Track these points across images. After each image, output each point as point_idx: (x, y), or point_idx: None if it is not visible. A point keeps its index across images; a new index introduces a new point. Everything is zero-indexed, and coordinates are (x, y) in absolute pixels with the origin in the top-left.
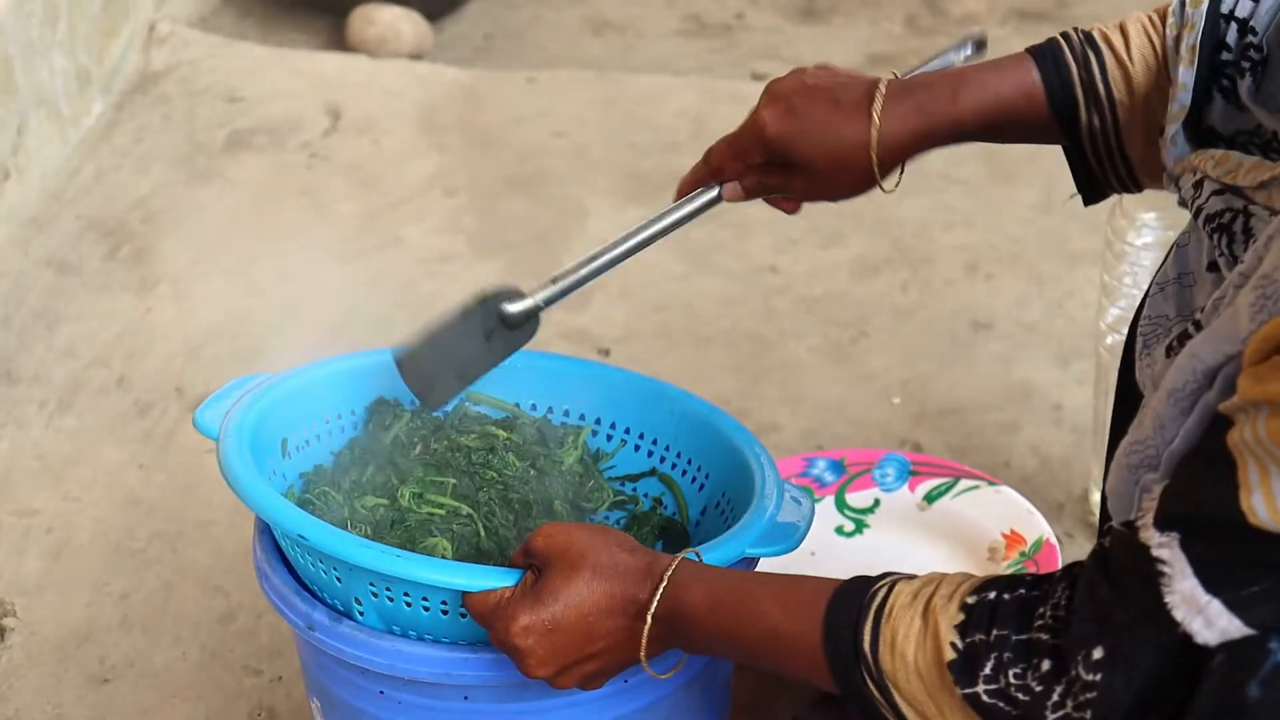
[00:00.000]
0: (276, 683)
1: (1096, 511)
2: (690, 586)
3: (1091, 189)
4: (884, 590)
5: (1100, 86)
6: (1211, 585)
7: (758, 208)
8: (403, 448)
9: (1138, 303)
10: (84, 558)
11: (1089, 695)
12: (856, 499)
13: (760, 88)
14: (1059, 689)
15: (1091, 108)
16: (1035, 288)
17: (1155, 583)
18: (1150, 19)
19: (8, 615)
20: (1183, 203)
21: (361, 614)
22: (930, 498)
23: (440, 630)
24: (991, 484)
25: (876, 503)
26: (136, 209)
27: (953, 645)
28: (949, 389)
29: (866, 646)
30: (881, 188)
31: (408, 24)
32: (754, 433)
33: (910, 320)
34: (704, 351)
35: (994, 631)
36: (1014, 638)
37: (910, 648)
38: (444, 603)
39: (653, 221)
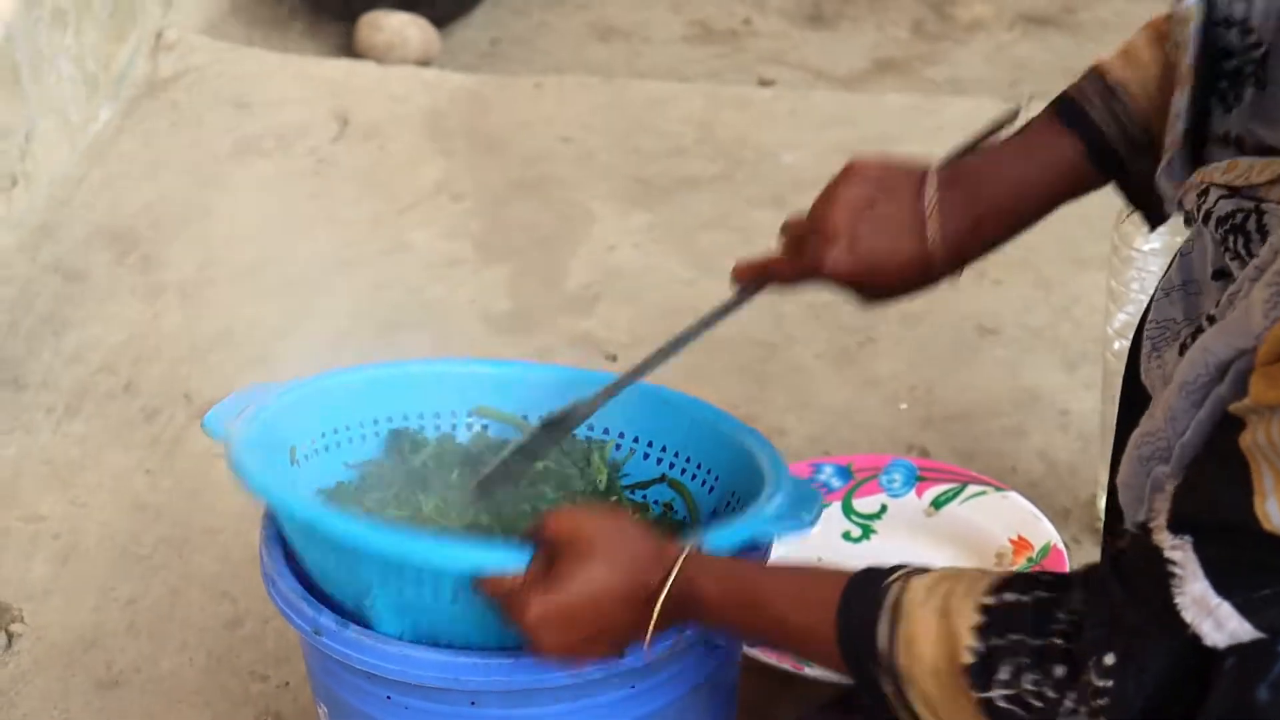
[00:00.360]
0: (283, 688)
1: (1104, 517)
2: (700, 574)
3: (1153, 209)
4: (897, 585)
5: (1139, 133)
6: (1222, 588)
7: (765, 213)
8: (438, 471)
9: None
10: (91, 563)
11: (1101, 701)
12: (863, 504)
13: (767, 94)
14: (1073, 694)
15: (1136, 156)
16: (1042, 293)
17: (1166, 584)
18: (1155, 32)
19: (15, 620)
20: (1188, 219)
21: (373, 607)
22: (937, 503)
23: (453, 618)
24: (999, 489)
25: (883, 508)
26: (144, 215)
27: (969, 649)
28: (956, 394)
29: (883, 645)
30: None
31: (415, 30)
32: None
33: (917, 325)
34: (711, 357)
35: (1009, 636)
36: (1030, 643)
37: (928, 648)
38: (455, 587)
39: (702, 320)
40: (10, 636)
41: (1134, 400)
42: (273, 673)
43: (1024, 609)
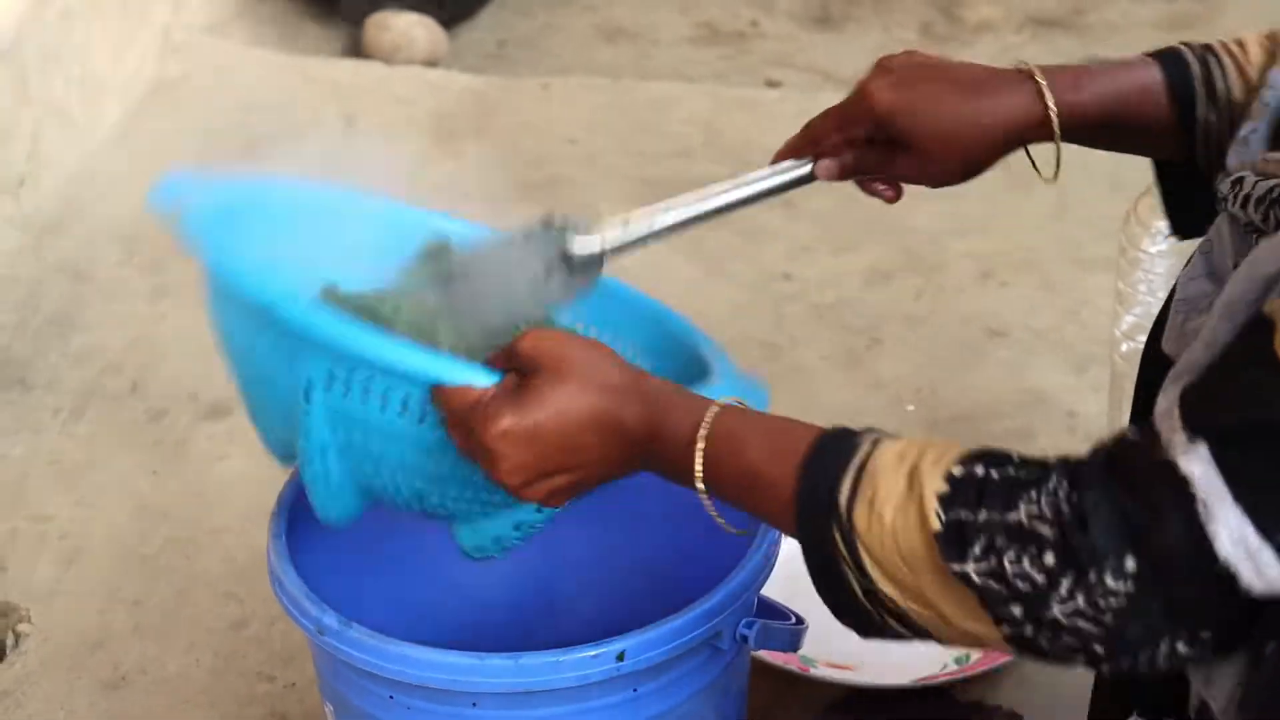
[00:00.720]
0: (289, 689)
1: None
2: (677, 414)
3: (1188, 214)
4: (867, 445)
5: (1219, 84)
6: (1262, 524)
7: (771, 215)
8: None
9: (1152, 310)
10: (97, 564)
11: (1113, 601)
12: None
13: (774, 95)
14: (1067, 582)
15: (1209, 104)
16: (1048, 295)
17: (1189, 506)
18: (1268, 35)
19: (21, 621)
20: (1220, 201)
21: (308, 408)
22: None
23: (393, 434)
24: None
25: None
26: (151, 216)
27: (937, 516)
28: (962, 396)
29: (843, 501)
30: (1037, 169)
31: (422, 31)
32: None
33: (923, 327)
34: None
35: (982, 512)
36: (1003, 520)
37: (889, 510)
38: (406, 397)
39: (736, 187)
40: (17, 637)
41: (1150, 402)
42: (279, 674)
43: (995, 484)
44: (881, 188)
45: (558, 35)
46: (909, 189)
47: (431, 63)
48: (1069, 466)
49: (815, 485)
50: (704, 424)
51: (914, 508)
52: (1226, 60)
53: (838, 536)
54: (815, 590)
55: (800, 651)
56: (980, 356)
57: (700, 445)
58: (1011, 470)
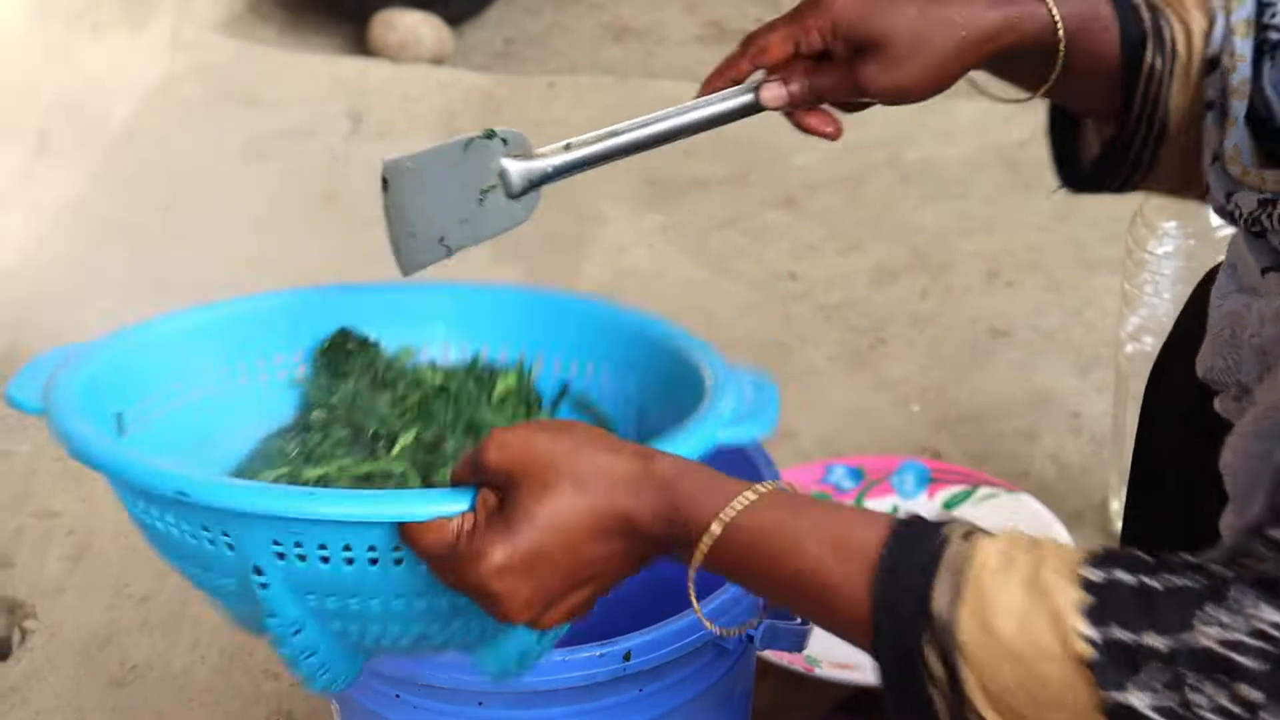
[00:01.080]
0: (295, 686)
1: (1116, 520)
2: (702, 502)
3: (1095, 167)
4: (959, 541)
5: (1165, 33)
6: None
7: (776, 214)
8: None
9: (1158, 311)
10: (104, 560)
11: None
12: (875, 506)
13: None
14: (1272, 718)
15: (1156, 50)
16: (1054, 295)
17: None
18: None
19: (29, 617)
20: (1253, 222)
21: (265, 586)
22: (949, 505)
23: (370, 588)
24: (1010, 492)
25: (895, 510)
26: (158, 213)
27: (1082, 635)
28: (968, 396)
29: (941, 610)
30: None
31: (428, 29)
32: (770, 439)
33: (929, 327)
34: None
35: (1149, 635)
36: (1185, 645)
37: (1010, 625)
38: (372, 548)
39: (679, 113)
40: (24, 634)
41: (1155, 413)
42: (284, 671)
43: (1154, 597)
44: (817, 123)
45: (565, 34)
46: (907, 189)
47: (438, 61)
48: (1250, 579)
49: (899, 592)
50: (723, 513)
51: (1046, 624)
52: (1169, 13)
53: (932, 652)
54: (886, 708)
55: (805, 651)
56: (986, 357)
57: (712, 536)
58: (1169, 577)
